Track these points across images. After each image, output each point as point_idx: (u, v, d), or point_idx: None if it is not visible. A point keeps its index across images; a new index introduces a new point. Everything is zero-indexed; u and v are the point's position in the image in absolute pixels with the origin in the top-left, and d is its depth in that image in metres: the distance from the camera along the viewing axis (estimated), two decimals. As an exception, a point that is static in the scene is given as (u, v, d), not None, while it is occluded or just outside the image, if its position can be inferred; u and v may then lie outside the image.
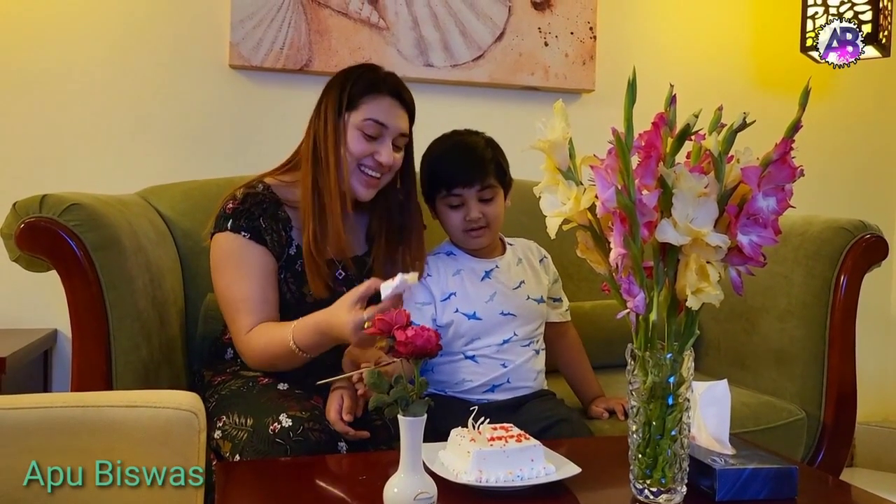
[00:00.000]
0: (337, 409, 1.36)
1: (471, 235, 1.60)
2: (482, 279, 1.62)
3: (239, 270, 1.49)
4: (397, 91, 1.57)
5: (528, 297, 1.64)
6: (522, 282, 1.65)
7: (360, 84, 1.54)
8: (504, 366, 1.59)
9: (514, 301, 1.62)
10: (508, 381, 1.60)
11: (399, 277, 1.26)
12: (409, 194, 1.64)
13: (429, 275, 1.60)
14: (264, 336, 1.44)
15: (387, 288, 1.27)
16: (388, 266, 1.59)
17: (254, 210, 1.51)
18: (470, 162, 1.58)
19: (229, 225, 1.50)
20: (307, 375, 1.52)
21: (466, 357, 1.59)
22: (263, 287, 1.49)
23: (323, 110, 1.55)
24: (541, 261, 1.73)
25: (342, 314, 1.31)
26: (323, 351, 1.41)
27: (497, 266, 1.65)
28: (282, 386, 1.46)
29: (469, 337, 1.58)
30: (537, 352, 1.66)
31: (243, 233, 1.49)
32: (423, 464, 1.02)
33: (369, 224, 1.64)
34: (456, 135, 1.66)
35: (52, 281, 1.47)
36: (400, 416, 0.98)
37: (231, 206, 1.51)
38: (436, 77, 2.33)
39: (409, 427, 0.98)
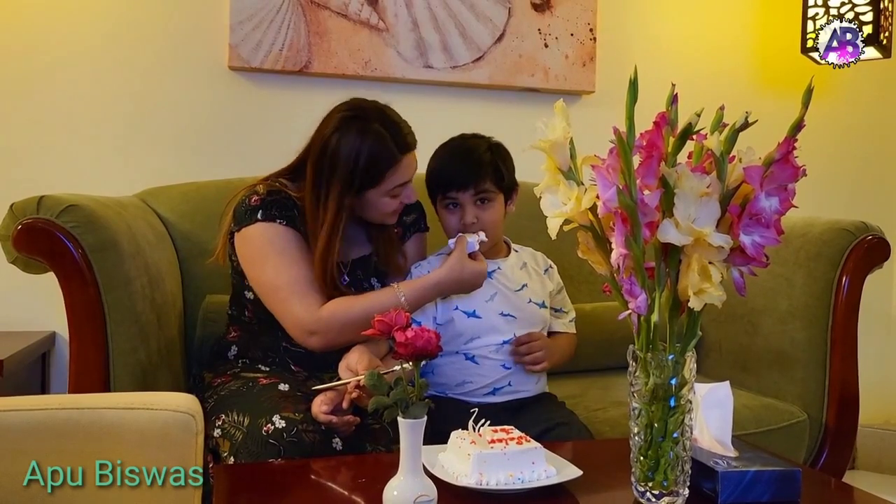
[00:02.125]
0: (319, 402, 1.35)
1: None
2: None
3: (283, 256, 1.48)
4: (408, 144, 1.53)
5: (530, 301, 1.64)
6: (525, 285, 1.65)
7: (377, 164, 1.49)
8: (505, 367, 1.59)
9: (514, 303, 1.62)
10: (510, 384, 1.59)
11: (480, 233, 1.55)
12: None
13: (429, 272, 1.59)
14: (357, 305, 1.47)
15: (473, 240, 1.54)
16: (399, 258, 1.64)
17: (284, 201, 1.51)
18: (465, 165, 1.58)
19: (259, 216, 1.48)
20: (309, 378, 1.52)
21: (467, 358, 1.58)
22: (311, 269, 1.49)
23: (330, 194, 1.48)
24: (545, 270, 1.73)
25: (469, 266, 1.51)
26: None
27: (499, 268, 1.64)
28: (283, 387, 1.45)
29: (468, 335, 1.58)
30: (539, 356, 1.66)
31: (279, 220, 1.49)
32: (423, 466, 1.01)
33: (367, 227, 1.64)
34: (460, 138, 1.66)
35: (49, 283, 1.46)
36: (399, 419, 0.97)
37: (256, 198, 1.50)
38: (435, 78, 2.33)
39: (409, 429, 0.97)
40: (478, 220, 1.58)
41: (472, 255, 1.53)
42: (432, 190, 1.64)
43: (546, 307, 1.67)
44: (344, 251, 1.55)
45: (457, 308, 1.58)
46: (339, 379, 1.37)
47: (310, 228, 1.50)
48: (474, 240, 1.54)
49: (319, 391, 1.36)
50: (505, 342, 1.59)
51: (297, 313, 1.46)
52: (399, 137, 1.51)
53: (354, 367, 1.38)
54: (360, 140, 1.48)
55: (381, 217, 1.57)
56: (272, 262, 1.48)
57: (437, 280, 1.51)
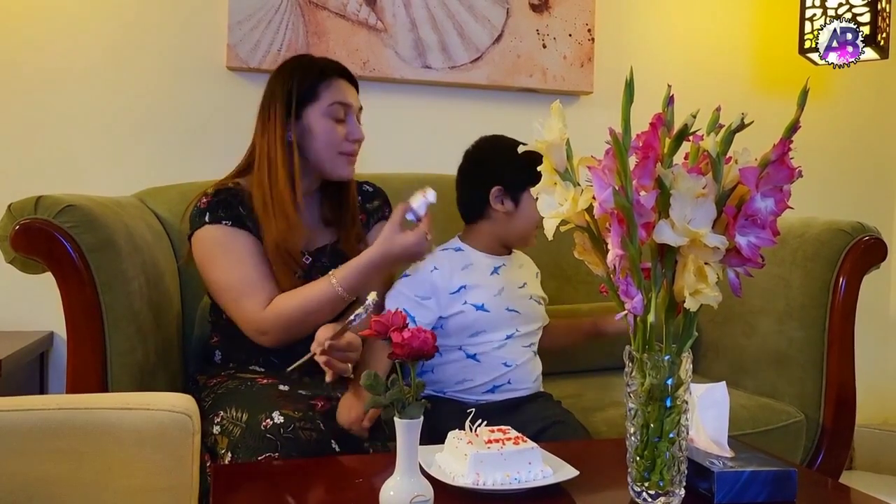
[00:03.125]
0: (357, 416, 1.36)
1: (536, 234, 1.63)
2: (491, 273, 1.63)
3: (230, 257, 1.49)
4: (343, 71, 1.60)
5: (531, 297, 1.66)
6: (525, 283, 1.67)
7: (309, 75, 1.55)
8: (506, 365, 1.59)
9: (518, 299, 1.63)
10: (509, 382, 1.60)
11: (427, 192, 1.44)
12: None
13: (435, 268, 1.59)
14: (293, 300, 1.46)
15: (419, 204, 1.44)
16: (361, 246, 1.60)
17: (230, 200, 1.52)
18: None
19: (207, 218, 1.50)
20: (305, 375, 1.52)
21: (468, 356, 1.59)
22: (259, 266, 1.50)
23: (272, 118, 1.54)
24: (536, 275, 1.75)
25: (399, 239, 1.44)
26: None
27: (504, 264, 1.66)
28: (283, 387, 1.46)
29: (474, 329, 1.59)
30: (535, 353, 1.67)
31: (224, 222, 1.50)
32: (420, 466, 1.01)
33: (322, 214, 1.64)
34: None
35: (48, 283, 1.46)
36: (396, 419, 0.97)
37: (205, 201, 1.52)
38: (434, 79, 2.33)
39: (406, 429, 0.97)
40: None
41: (420, 219, 1.47)
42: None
43: (542, 304, 1.69)
44: (306, 239, 1.56)
45: (466, 302, 1.58)
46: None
47: (262, 182, 1.52)
48: (421, 202, 1.45)
49: (293, 370, 1.37)
50: (508, 337, 1.60)
51: (247, 313, 1.47)
52: (332, 64, 1.59)
53: (321, 339, 1.37)
54: (292, 65, 1.59)
55: (330, 157, 1.56)
56: (220, 262, 1.49)
57: (368, 259, 1.46)
